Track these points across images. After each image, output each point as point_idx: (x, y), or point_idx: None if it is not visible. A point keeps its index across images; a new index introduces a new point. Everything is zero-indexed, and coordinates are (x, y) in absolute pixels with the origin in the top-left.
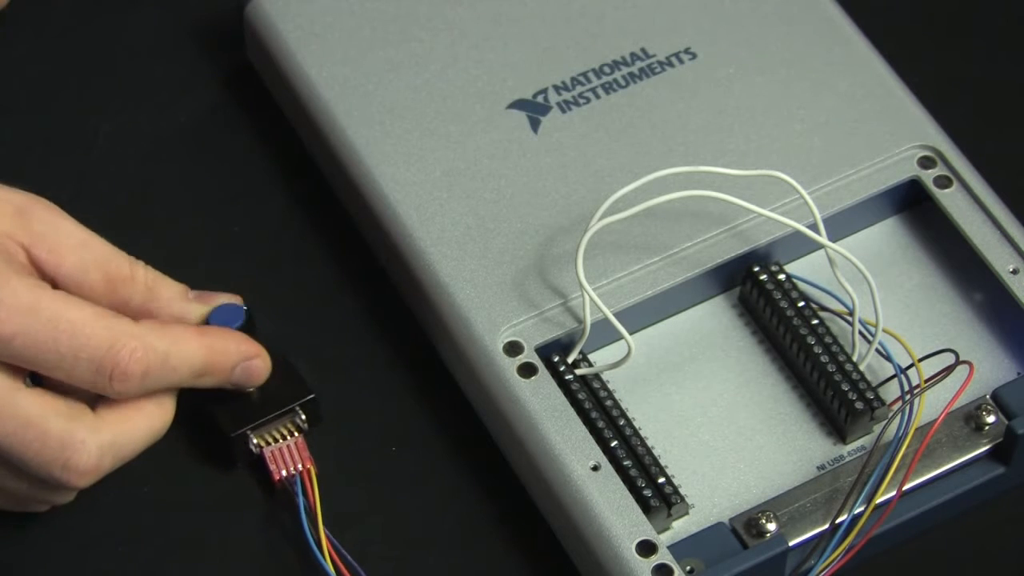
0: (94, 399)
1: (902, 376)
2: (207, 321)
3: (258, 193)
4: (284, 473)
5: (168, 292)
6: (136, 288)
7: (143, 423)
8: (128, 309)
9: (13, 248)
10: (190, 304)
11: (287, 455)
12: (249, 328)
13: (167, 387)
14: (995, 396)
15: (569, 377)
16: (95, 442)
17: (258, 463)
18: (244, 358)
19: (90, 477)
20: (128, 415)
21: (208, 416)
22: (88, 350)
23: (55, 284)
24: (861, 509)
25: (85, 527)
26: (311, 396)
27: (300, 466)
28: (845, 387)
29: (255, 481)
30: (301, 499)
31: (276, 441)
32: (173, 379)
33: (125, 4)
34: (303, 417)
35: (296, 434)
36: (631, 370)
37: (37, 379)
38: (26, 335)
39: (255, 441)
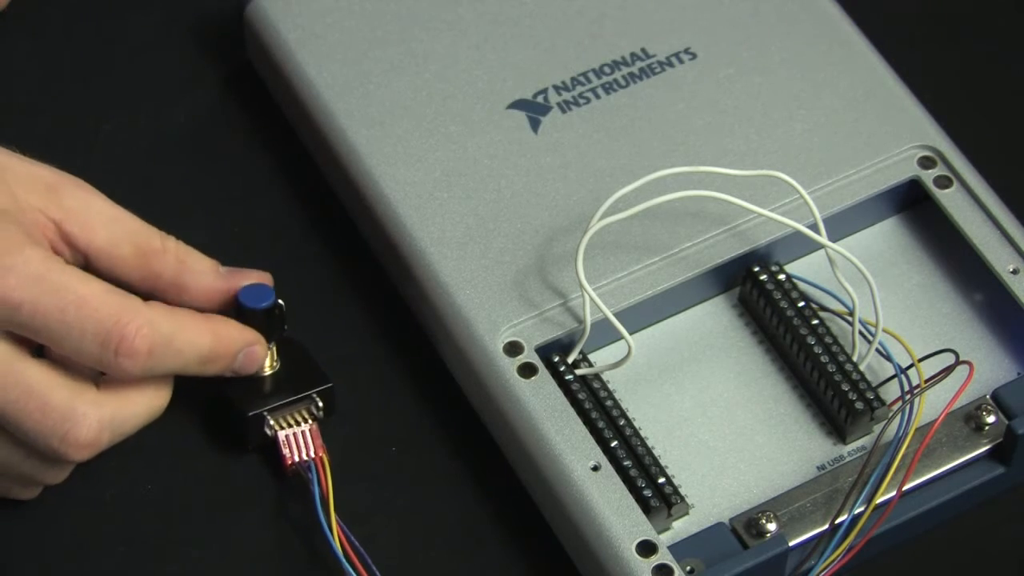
0: (98, 376)
1: (902, 376)
2: (236, 299)
3: (258, 193)
4: (296, 458)
5: (199, 266)
6: (167, 261)
7: (143, 401)
8: (160, 282)
9: (43, 221)
10: (221, 279)
11: (301, 441)
12: (278, 308)
13: (171, 371)
14: (995, 396)
15: (569, 377)
16: (96, 416)
17: (270, 447)
18: (247, 344)
19: (89, 451)
20: (129, 393)
21: (225, 396)
22: (94, 322)
23: (87, 258)
24: (861, 509)
25: (87, 520)
26: (329, 385)
27: (313, 452)
28: (845, 387)
29: (264, 468)
30: (316, 486)
31: (291, 426)
32: (178, 362)
33: (125, 4)
34: (320, 404)
35: (311, 421)
36: (631, 370)
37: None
38: (34, 304)
39: (271, 423)
